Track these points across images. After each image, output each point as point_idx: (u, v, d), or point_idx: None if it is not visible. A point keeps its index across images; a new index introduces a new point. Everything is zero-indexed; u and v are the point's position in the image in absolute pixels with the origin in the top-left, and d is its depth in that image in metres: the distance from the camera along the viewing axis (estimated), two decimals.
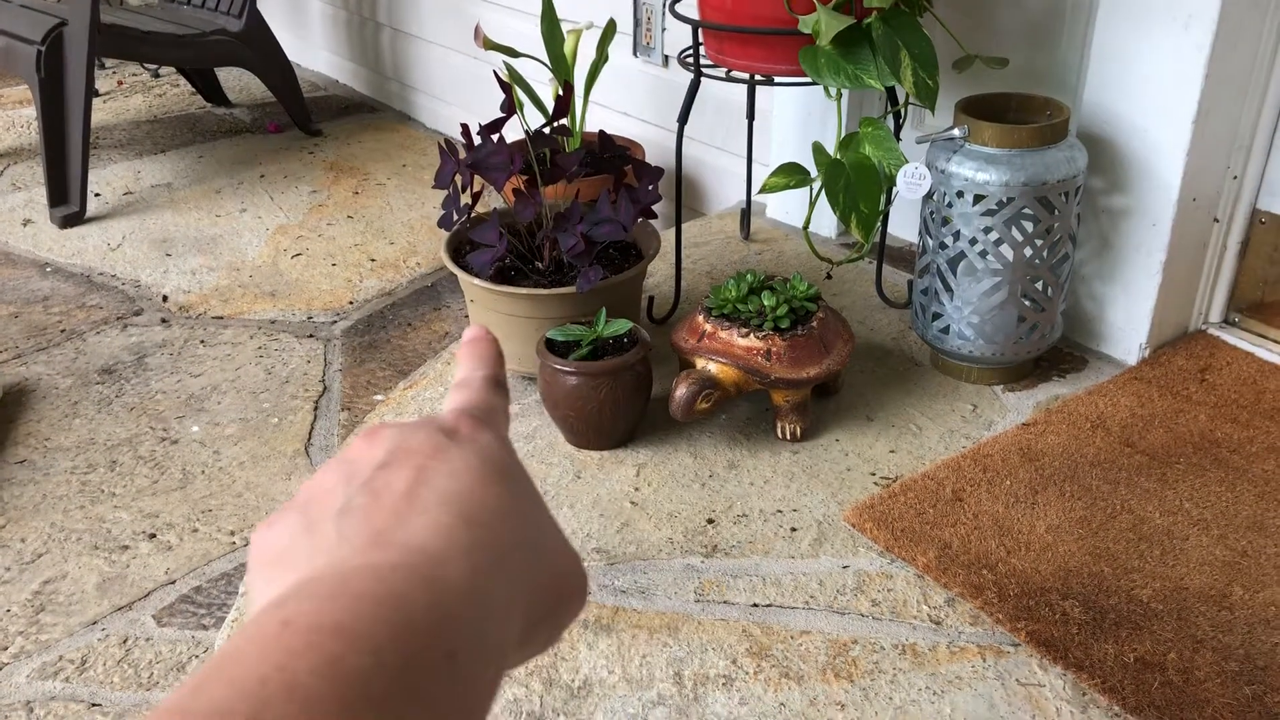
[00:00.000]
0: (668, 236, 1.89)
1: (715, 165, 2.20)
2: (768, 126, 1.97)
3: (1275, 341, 1.56)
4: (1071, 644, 1.08)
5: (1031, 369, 1.54)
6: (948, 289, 1.47)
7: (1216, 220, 1.53)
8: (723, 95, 2.10)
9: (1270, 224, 1.54)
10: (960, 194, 1.41)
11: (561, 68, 1.98)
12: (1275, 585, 1.15)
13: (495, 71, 1.61)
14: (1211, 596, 1.13)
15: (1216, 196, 1.50)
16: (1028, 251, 1.41)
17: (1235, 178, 1.50)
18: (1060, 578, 1.16)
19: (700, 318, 1.41)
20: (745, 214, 1.96)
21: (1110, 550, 1.20)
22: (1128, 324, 1.53)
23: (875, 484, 1.33)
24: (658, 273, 1.85)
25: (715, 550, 1.23)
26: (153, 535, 1.53)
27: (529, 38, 2.49)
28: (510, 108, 1.46)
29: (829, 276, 1.80)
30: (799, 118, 1.90)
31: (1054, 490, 1.29)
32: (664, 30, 2.19)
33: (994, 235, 1.41)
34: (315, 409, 1.81)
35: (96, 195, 2.64)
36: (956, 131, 1.42)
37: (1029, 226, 1.40)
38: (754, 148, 1.91)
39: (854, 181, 1.46)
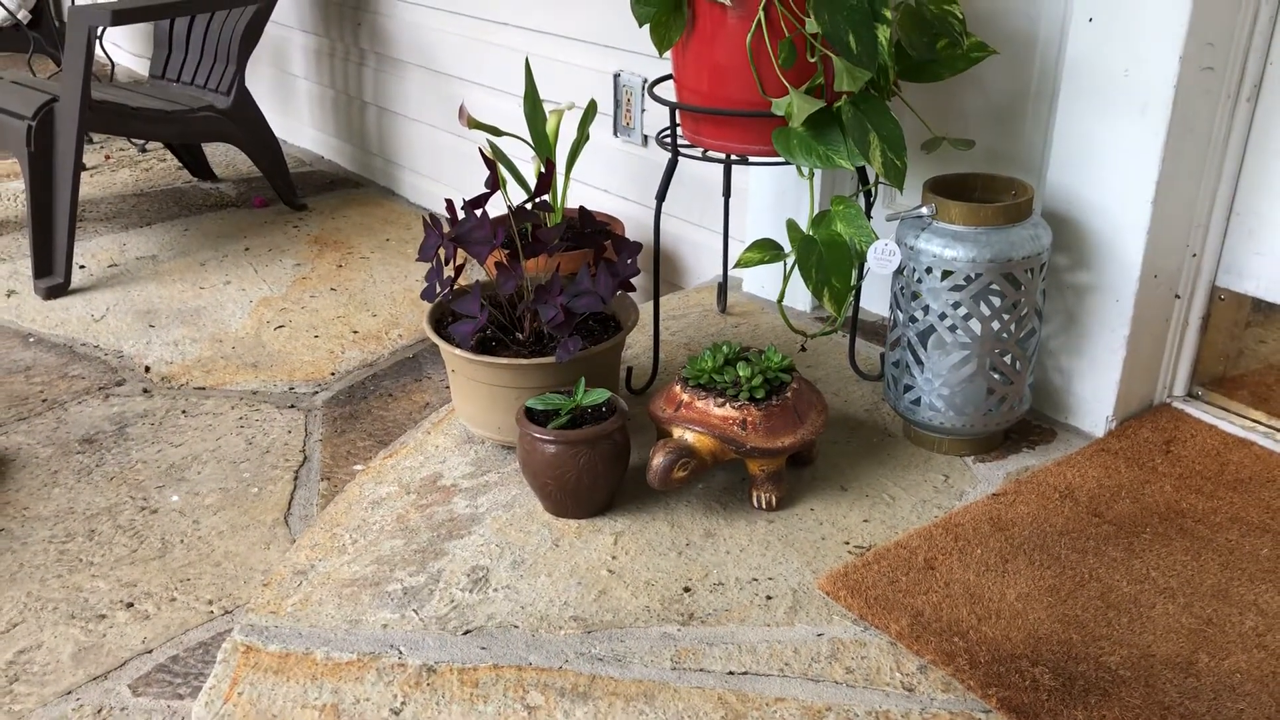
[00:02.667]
0: (646, 309, 1.93)
1: (693, 241, 2.25)
2: (744, 204, 2.02)
3: (1238, 415, 1.60)
4: (1042, 710, 1.09)
5: (1001, 440, 1.57)
6: (918, 362, 1.51)
7: (1178, 296, 1.58)
8: (700, 174, 2.16)
9: (1230, 300, 1.59)
10: (929, 270, 1.46)
11: (544, 146, 2.04)
12: (1240, 653, 1.17)
13: (480, 149, 1.65)
14: (1178, 664, 1.15)
15: (1177, 274, 1.55)
16: (995, 326, 1.45)
17: (1194, 255, 1.56)
18: (1030, 645, 1.18)
19: (677, 388, 1.44)
20: (722, 288, 2.01)
21: (1079, 618, 1.22)
22: (1094, 397, 1.57)
23: (849, 552, 1.35)
24: (636, 344, 1.89)
25: (692, 618, 1.25)
26: (130, 604, 1.53)
27: (512, 117, 2.56)
28: (494, 184, 1.51)
29: (804, 349, 1.83)
30: (774, 196, 1.96)
31: (1024, 559, 1.32)
32: (643, 111, 2.25)
33: (962, 310, 1.45)
34: (295, 479, 1.83)
35: (81, 267, 2.66)
36: (925, 210, 1.47)
37: (995, 301, 1.45)
38: (730, 224, 1.96)
39: (826, 257, 1.50)
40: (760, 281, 2.07)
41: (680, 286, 2.31)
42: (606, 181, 2.42)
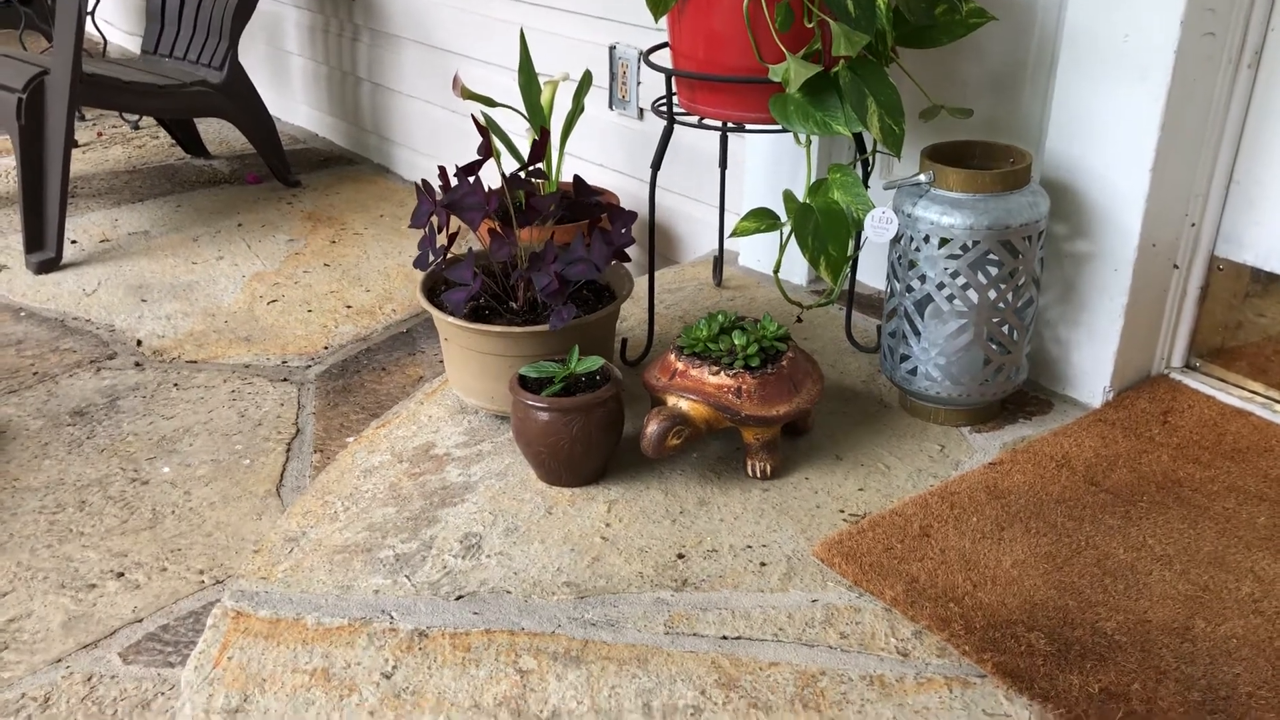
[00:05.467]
0: (642, 282, 1.92)
1: (689, 214, 2.24)
2: (740, 176, 2.01)
3: (1236, 386, 1.59)
4: (1037, 675, 1.09)
5: (998, 410, 1.56)
6: (915, 331, 1.50)
7: (1176, 266, 1.57)
8: (697, 147, 2.14)
9: (1228, 270, 1.58)
10: (926, 238, 1.44)
11: (539, 117, 2.02)
12: (1236, 618, 1.16)
13: (474, 115, 1.64)
14: (1174, 629, 1.15)
15: (1175, 243, 1.54)
16: (992, 294, 1.44)
17: (1193, 225, 1.55)
18: (1026, 611, 1.17)
19: (672, 356, 1.43)
20: (718, 261, 1.99)
21: (1075, 584, 1.21)
22: (1092, 367, 1.56)
23: (844, 520, 1.34)
24: (631, 317, 1.88)
25: (685, 584, 1.24)
26: (121, 574, 1.52)
27: (508, 91, 2.53)
28: (487, 151, 1.49)
29: (800, 320, 1.82)
30: (770, 167, 1.95)
31: (1020, 527, 1.31)
32: (639, 84, 2.23)
33: (959, 278, 1.44)
34: (288, 450, 1.81)
35: (73, 243, 2.65)
36: (922, 177, 1.45)
37: (993, 270, 1.44)
38: (726, 196, 1.94)
39: (823, 225, 1.49)
40: (756, 255, 2.06)
41: (676, 261, 2.30)
42: (602, 156, 2.41)
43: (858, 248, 1.68)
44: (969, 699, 1.07)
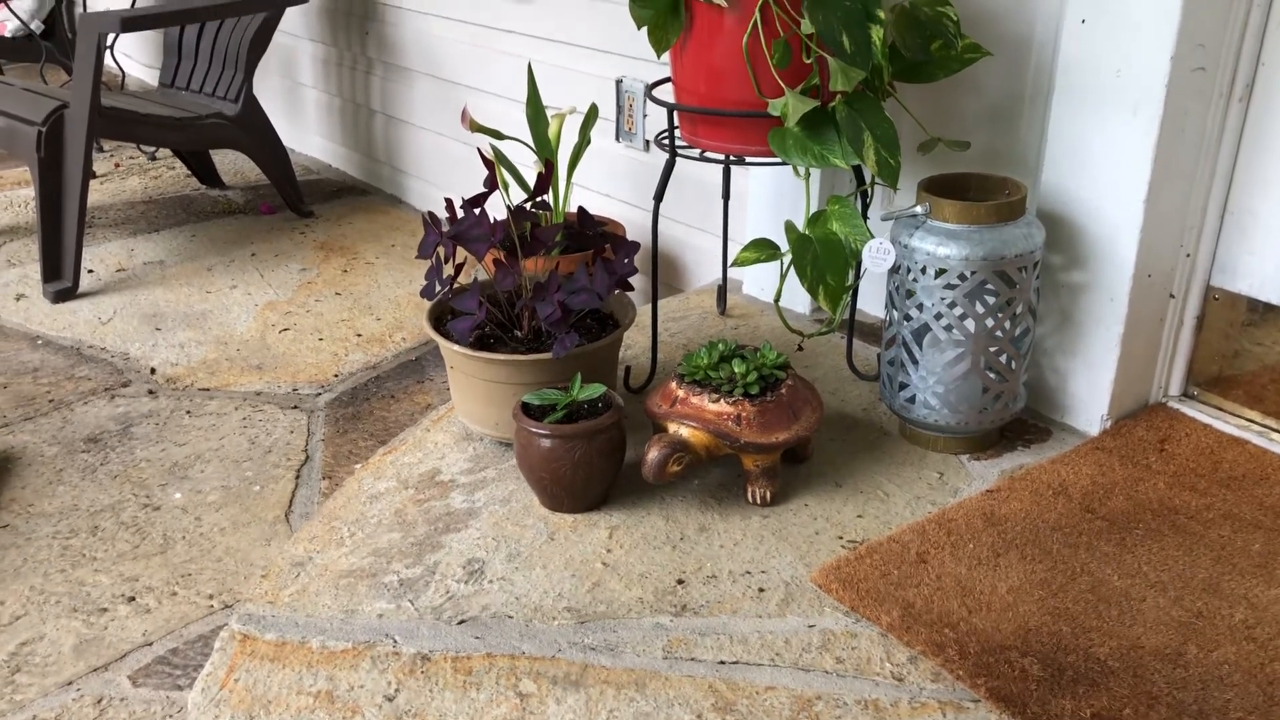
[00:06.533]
0: (646, 310, 1.94)
1: (694, 245, 2.27)
2: (743, 206, 2.04)
3: (1233, 414, 1.61)
4: (1030, 700, 1.10)
5: (997, 439, 1.58)
6: (913, 360, 1.52)
7: (1172, 296, 1.58)
8: (700, 178, 2.17)
9: (1224, 300, 1.60)
10: (923, 268, 1.47)
11: (545, 149, 2.06)
12: (1229, 645, 1.17)
13: (479, 149, 1.67)
14: (1167, 655, 1.16)
15: (1171, 273, 1.56)
16: (989, 324, 1.46)
17: (1188, 255, 1.57)
18: (1020, 636, 1.18)
19: (673, 384, 1.45)
20: (722, 290, 2.02)
21: (1069, 610, 1.22)
22: (1089, 396, 1.58)
23: (842, 546, 1.36)
24: (635, 345, 1.90)
25: (684, 609, 1.26)
26: (132, 598, 1.54)
27: (517, 123, 2.58)
28: (493, 183, 1.53)
29: (800, 348, 1.85)
30: (772, 198, 1.98)
31: (1016, 553, 1.32)
32: (645, 116, 2.27)
33: (956, 308, 1.46)
34: (297, 477, 1.84)
35: (90, 272, 2.69)
36: (919, 208, 1.48)
37: (990, 300, 1.46)
38: (730, 227, 1.97)
39: (821, 256, 1.52)
40: (760, 284, 2.09)
41: (681, 290, 2.33)
42: (608, 186, 2.44)
43: (857, 278, 1.71)
44: None
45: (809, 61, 1.49)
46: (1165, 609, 1.23)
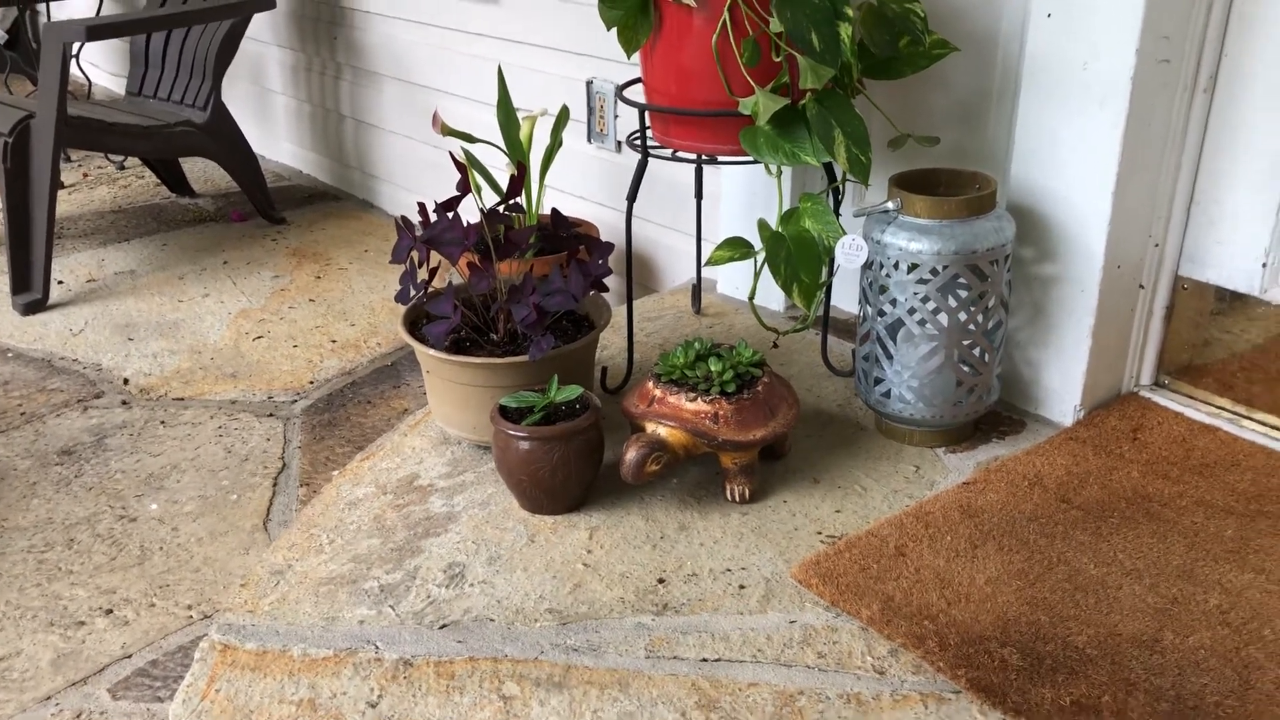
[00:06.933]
0: (621, 311, 1.95)
1: (668, 244, 2.27)
2: (716, 206, 2.04)
3: (1204, 402, 1.63)
4: (1010, 689, 1.11)
5: (972, 431, 1.59)
6: (888, 355, 1.53)
7: (1142, 287, 1.60)
8: (673, 178, 2.18)
9: (1193, 289, 1.62)
10: (896, 263, 1.48)
11: (517, 152, 2.06)
12: (1204, 630, 1.19)
13: (451, 152, 1.67)
14: (1144, 641, 1.17)
15: (1140, 264, 1.58)
16: (962, 317, 1.47)
17: (1157, 246, 1.58)
18: (999, 627, 1.19)
19: (650, 384, 1.45)
20: (697, 289, 2.03)
21: (1047, 600, 1.24)
22: (1062, 387, 1.60)
23: (821, 542, 1.37)
24: (611, 346, 1.90)
25: (666, 608, 1.26)
26: (109, 611, 1.53)
27: (489, 126, 2.57)
28: (465, 186, 1.52)
29: (776, 346, 1.85)
30: (745, 197, 1.98)
31: (993, 544, 1.33)
32: (616, 117, 2.27)
33: (929, 303, 1.47)
34: (274, 485, 1.83)
35: (60, 283, 2.67)
36: (890, 204, 1.49)
37: (962, 294, 1.47)
38: (703, 226, 1.98)
39: (794, 253, 1.52)
40: (735, 283, 2.09)
41: (657, 290, 2.33)
42: (581, 188, 2.44)
43: (831, 274, 1.72)
44: (944, 714, 1.09)
45: (779, 60, 1.50)
46: (1141, 596, 1.24)
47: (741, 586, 1.29)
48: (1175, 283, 1.62)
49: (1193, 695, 1.10)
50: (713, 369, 1.45)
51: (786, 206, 1.60)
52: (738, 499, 1.45)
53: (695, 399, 1.42)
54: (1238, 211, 1.53)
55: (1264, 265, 1.53)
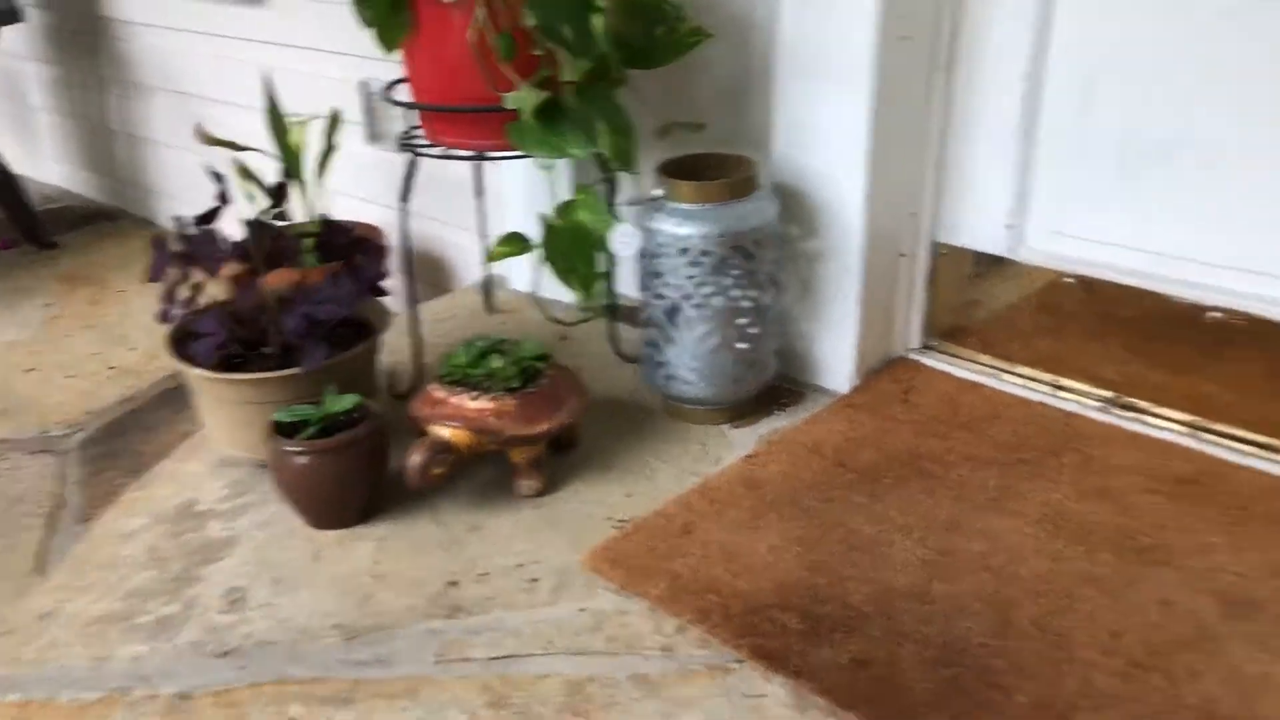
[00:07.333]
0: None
1: (455, 243, 2.25)
2: (500, 201, 2.03)
3: (969, 360, 1.72)
4: (790, 652, 1.15)
5: (755, 406, 1.64)
6: (668, 338, 1.55)
7: (903, 255, 1.68)
8: (455, 175, 2.16)
9: (951, 255, 1.71)
10: (667, 249, 1.50)
11: (290, 158, 1.99)
12: (969, 576, 1.26)
13: (210, 164, 1.61)
14: (914, 594, 1.23)
15: (899, 234, 1.66)
16: (731, 297, 1.51)
17: (913, 215, 1.66)
18: (779, 593, 1.23)
19: (434, 387, 1.44)
20: (487, 287, 2.01)
21: (825, 563, 1.28)
22: (836, 357, 1.66)
23: (612, 527, 1.38)
24: (402, 350, 1.87)
25: (457, 611, 1.25)
26: None
27: (261, 132, 2.48)
28: (224, 197, 1.47)
29: (564, 338, 1.86)
30: (527, 190, 1.98)
31: (775, 514, 1.38)
32: (394, 118, 2.23)
33: (702, 285, 1.50)
34: (49, 525, 1.73)
35: None
36: (657, 192, 1.51)
37: (733, 274, 1.51)
38: (490, 222, 1.97)
39: (570, 245, 1.53)
40: (528, 277, 2.09)
41: (449, 289, 2.31)
42: (364, 190, 2.39)
43: (613, 264, 1.73)
44: (729, 684, 1.12)
45: (539, 54, 1.50)
46: (911, 550, 1.30)
47: (533, 580, 1.30)
48: (934, 249, 1.71)
49: (959, 639, 1.16)
50: (495, 366, 1.44)
51: (564, 199, 1.61)
52: (530, 493, 1.45)
53: (478, 397, 1.41)
54: (981, 177, 1.62)
55: (1008, 227, 1.62)
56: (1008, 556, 1.29)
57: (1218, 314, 1.48)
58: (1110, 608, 1.20)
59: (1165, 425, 1.52)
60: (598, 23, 1.43)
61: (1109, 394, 1.58)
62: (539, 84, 1.50)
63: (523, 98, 1.46)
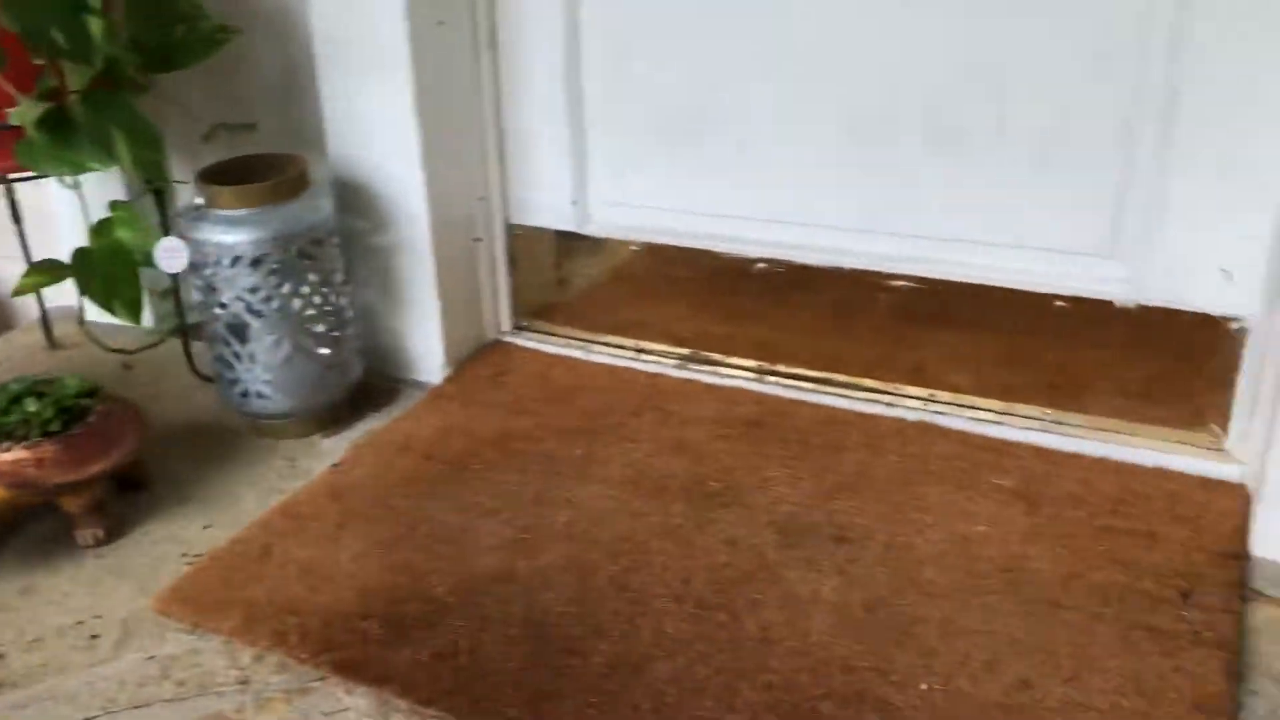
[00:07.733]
0: None
1: (3, 277, 2.03)
2: (46, 225, 1.85)
3: (561, 336, 1.74)
4: (371, 660, 1.12)
5: (348, 410, 1.58)
6: (236, 354, 1.47)
7: (479, 239, 1.68)
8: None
9: (527, 235, 1.73)
10: (218, 259, 1.42)
11: None
12: (553, 548, 1.27)
13: None
14: (499, 576, 1.23)
15: (471, 219, 1.65)
16: (298, 303, 1.45)
17: (483, 199, 1.66)
18: (361, 601, 1.20)
19: None
20: (46, 322, 1.83)
21: (409, 561, 1.26)
22: (424, 349, 1.64)
23: (187, 564, 1.29)
24: None
25: (2, 687, 1.12)
26: None
27: None
28: None
29: (129, 367, 1.72)
30: (74, 212, 1.81)
31: (360, 521, 1.34)
32: None
33: (260, 293, 1.43)
34: None
35: None
36: (197, 200, 1.42)
37: (293, 278, 1.44)
38: (35, 250, 1.78)
39: (110, 267, 1.42)
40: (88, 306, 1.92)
41: (11, 327, 2.08)
42: None
43: (175, 281, 1.62)
44: (308, 706, 1.08)
45: (42, 63, 1.37)
46: (496, 532, 1.31)
47: (94, 636, 1.19)
48: (509, 231, 1.72)
49: (540, 613, 1.17)
50: (30, 410, 1.31)
51: (100, 218, 1.48)
52: (92, 542, 1.33)
53: (11, 448, 1.27)
54: (543, 157, 1.65)
55: (574, 203, 1.66)
56: (590, 522, 1.32)
57: (763, 264, 1.59)
58: (682, 555, 1.25)
59: (735, 374, 1.61)
60: (95, 24, 1.31)
61: (685, 351, 1.66)
62: (43, 95, 1.37)
63: (23, 112, 1.33)
